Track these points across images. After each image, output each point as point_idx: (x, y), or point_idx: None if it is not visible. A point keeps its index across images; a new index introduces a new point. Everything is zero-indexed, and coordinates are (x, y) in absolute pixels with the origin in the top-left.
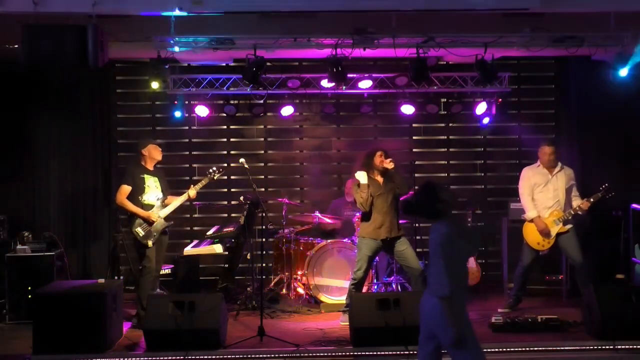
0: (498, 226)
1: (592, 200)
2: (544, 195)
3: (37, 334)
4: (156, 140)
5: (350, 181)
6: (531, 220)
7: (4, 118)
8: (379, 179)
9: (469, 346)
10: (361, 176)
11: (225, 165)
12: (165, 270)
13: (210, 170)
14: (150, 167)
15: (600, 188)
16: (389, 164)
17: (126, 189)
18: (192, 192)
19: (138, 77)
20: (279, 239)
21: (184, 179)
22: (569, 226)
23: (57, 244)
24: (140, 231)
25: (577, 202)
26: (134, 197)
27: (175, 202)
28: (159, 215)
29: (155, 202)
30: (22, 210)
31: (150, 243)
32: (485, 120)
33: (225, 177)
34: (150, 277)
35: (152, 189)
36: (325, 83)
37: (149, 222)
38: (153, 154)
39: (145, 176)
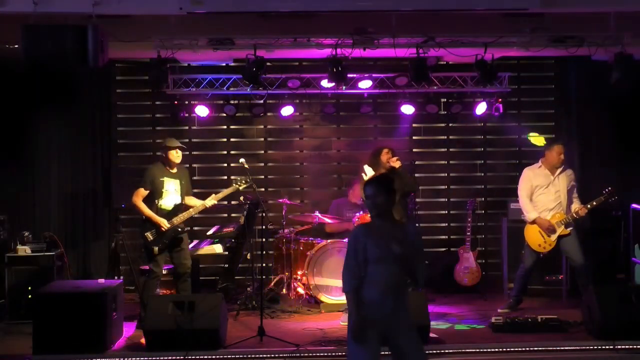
0: (498, 226)
1: (594, 203)
2: (545, 197)
3: (37, 334)
4: (174, 140)
5: (358, 184)
6: (532, 222)
7: (4, 118)
8: None
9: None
10: (369, 171)
11: (248, 181)
12: (165, 270)
13: (238, 179)
14: (172, 169)
15: (603, 192)
16: (396, 162)
17: (142, 192)
18: (209, 202)
19: (138, 77)
20: (279, 239)
21: None
22: (570, 228)
23: (57, 244)
24: (149, 236)
25: (576, 205)
26: (151, 200)
27: (192, 210)
28: (172, 222)
29: (172, 207)
30: (22, 210)
31: (156, 250)
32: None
33: (225, 177)
34: (156, 281)
35: (171, 194)
36: (325, 83)
37: (158, 229)
38: (170, 157)
39: (166, 179)
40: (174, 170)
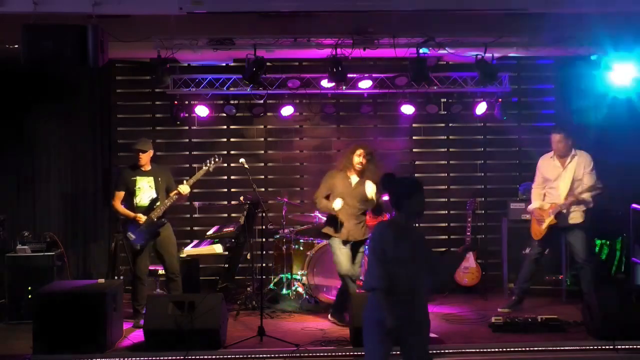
0: (498, 226)
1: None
2: (554, 191)
3: (37, 334)
4: (140, 142)
5: None
6: (532, 212)
7: (4, 118)
8: (353, 177)
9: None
10: (337, 204)
11: (219, 159)
12: (161, 270)
13: (207, 161)
14: (145, 167)
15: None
16: (355, 171)
17: (119, 194)
18: (182, 188)
19: (138, 77)
20: (279, 239)
21: (184, 179)
22: (573, 221)
23: (57, 244)
24: (131, 235)
25: (579, 189)
26: (129, 200)
27: (167, 200)
28: (150, 216)
29: (148, 203)
30: (22, 210)
31: (138, 247)
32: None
33: (225, 177)
34: (142, 286)
35: (145, 190)
36: (325, 83)
37: (137, 224)
38: (135, 158)
39: (138, 178)
40: (147, 168)
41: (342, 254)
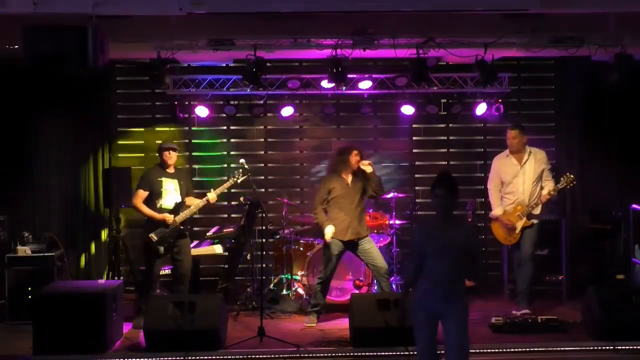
0: None
1: (552, 192)
2: (512, 188)
3: (37, 334)
4: (168, 142)
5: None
6: (496, 219)
7: (4, 118)
8: (349, 178)
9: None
10: (328, 234)
11: (245, 174)
12: (165, 270)
13: (235, 173)
14: (170, 169)
15: (561, 178)
16: (368, 167)
17: (142, 193)
18: (211, 195)
19: (138, 78)
20: (279, 240)
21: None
22: (534, 220)
23: (57, 244)
24: (154, 236)
25: (548, 187)
26: (152, 201)
27: (193, 207)
28: (175, 220)
29: (173, 206)
30: (22, 210)
31: (162, 250)
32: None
33: (226, 178)
34: (152, 288)
35: (171, 193)
36: (325, 84)
37: (165, 225)
38: (164, 157)
39: (164, 179)
40: (171, 171)
41: (334, 258)
